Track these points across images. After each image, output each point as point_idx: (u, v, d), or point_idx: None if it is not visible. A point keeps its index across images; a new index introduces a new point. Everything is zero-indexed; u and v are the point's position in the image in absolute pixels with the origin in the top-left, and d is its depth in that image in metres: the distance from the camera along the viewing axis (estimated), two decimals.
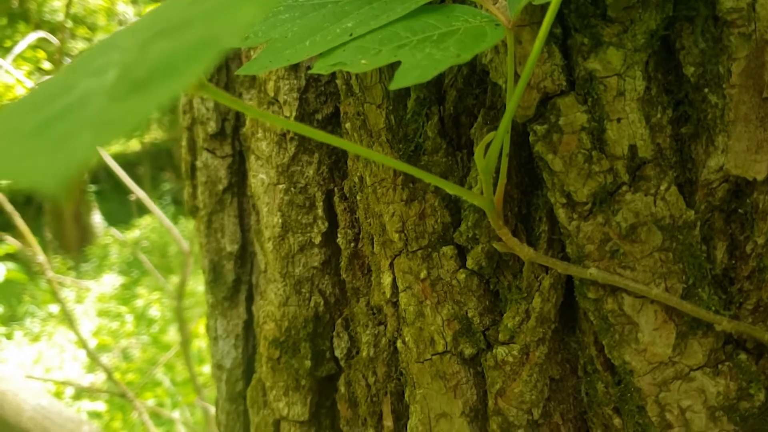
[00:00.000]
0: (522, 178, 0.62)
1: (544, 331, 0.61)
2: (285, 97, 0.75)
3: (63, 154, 0.20)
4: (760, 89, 0.51)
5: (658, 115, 0.55)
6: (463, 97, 0.63)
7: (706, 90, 0.54)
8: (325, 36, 0.55)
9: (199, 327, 4.07)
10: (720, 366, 0.55)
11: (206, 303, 1.00)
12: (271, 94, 0.76)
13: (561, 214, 0.58)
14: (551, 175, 0.58)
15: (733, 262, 0.55)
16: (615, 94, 0.55)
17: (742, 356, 0.55)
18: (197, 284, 5.71)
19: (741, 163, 0.53)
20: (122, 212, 8.55)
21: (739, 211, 0.54)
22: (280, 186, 0.78)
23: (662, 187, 0.55)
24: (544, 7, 0.56)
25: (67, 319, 2.84)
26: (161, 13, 0.29)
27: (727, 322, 0.54)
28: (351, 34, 0.54)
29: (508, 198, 0.62)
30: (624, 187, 0.56)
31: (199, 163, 0.93)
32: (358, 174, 0.71)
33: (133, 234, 8.19)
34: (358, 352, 0.77)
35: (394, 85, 0.47)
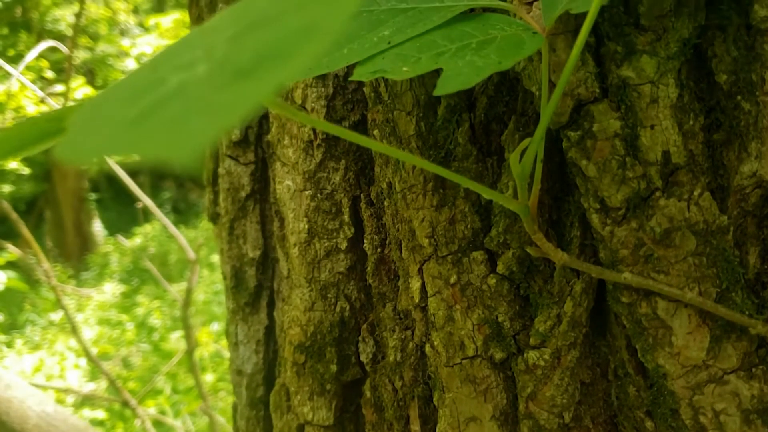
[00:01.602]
0: (553, 184, 0.63)
1: (575, 336, 0.62)
2: (312, 104, 0.76)
3: (181, 135, 0.21)
4: None
5: (691, 122, 0.56)
6: (493, 105, 0.64)
7: (739, 97, 0.55)
8: (362, 44, 0.56)
9: (203, 335, 4.07)
10: (754, 369, 0.56)
11: (226, 309, 1.00)
12: (299, 101, 0.77)
13: (594, 219, 0.59)
14: (585, 180, 0.58)
15: (766, 266, 0.56)
16: (648, 101, 0.56)
17: None
18: (199, 293, 5.71)
19: None
20: (122, 221, 8.55)
21: None
22: (307, 192, 0.78)
23: (695, 193, 0.56)
24: (578, 16, 0.57)
25: (69, 326, 2.84)
26: (241, 11, 0.30)
27: (761, 326, 0.55)
28: (389, 42, 0.55)
29: (539, 204, 0.62)
30: (657, 193, 0.56)
31: (221, 170, 0.94)
32: (386, 180, 0.71)
33: (134, 242, 8.19)
34: (383, 357, 0.78)
35: (439, 91, 0.48)
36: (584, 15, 0.49)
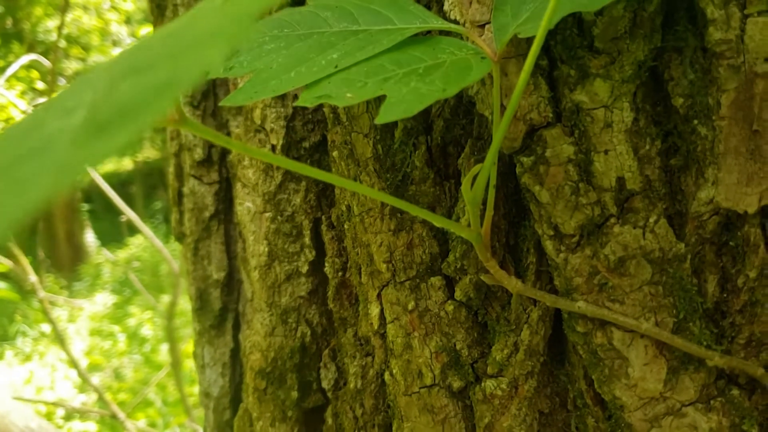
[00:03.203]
0: (509, 208, 0.62)
1: (533, 365, 0.60)
2: (272, 125, 0.75)
3: (21, 198, 0.19)
4: (750, 121, 0.51)
5: (647, 147, 0.54)
6: (450, 128, 0.63)
7: (696, 122, 0.53)
8: (310, 67, 0.55)
9: (190, 347, 4.04)
10: (712, 402, 0.54)
11: (193, 331, 0.99)
12: (258, 122, 0.75)
13: (548, 246, 0.57)
14: (538, 206, 0.57)
15: (725, 295, 0.54)
16: (602, 126, 0.54)
17: (735, 392, 0.54)
18: (188, 303, 5.68)
19: (732, 195, 0.52)
20: (115, 231, 8.53)
21: (730, 243, 0.54)
22: (267, 214, 0.77)
23: (651, 220, 0.54)
24: (530, 40, 0.55)
25: (58, 338, 2.81)
26: (133, 52, 0.29)
27: (719, 357, 0.53)
28: (336, 66, 0.54)
29: (495, 229, 0.61)
30: (612, 220, 0.55)
31: (186, 190, 0.92)
32: (345, 203, 0.70)
33: (126, 253, 8.16)
34: (345, 384, 0.76)
35: (380, 120, 0.46)
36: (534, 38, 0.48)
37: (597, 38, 0.54)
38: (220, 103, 0.58)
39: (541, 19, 0.49)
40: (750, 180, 0.52)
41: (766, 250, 0.53)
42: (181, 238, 0.97)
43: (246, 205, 0.79)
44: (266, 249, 0.77)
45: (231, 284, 0.92)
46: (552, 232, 0.56)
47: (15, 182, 0.21)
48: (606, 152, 0.54)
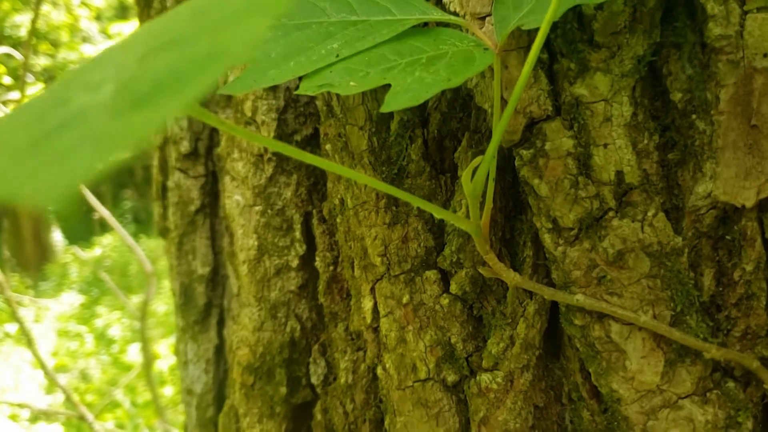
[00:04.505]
0: (506, 202, 0.62)
1: (528, 358, 0.60)
2: (263, 117, 0.74)
3: (64, 169, 0.19)
4: (748, 116, 0.51)
5: (645, 141, 0.55)
6: (446, 121, 0.63)
7: (694, 116, 0.54)
8: (310, 56, 0.54)
9: (160, 348, 3.99)
10: (708, 394, 0.55)
11: (176, 327, 0.97)
12: (249, 114, 0.75)
13: (547, 239, 0.57)
14: (537, 199, 0.57)
15: (721, 289, 0.55)
16: (602, 120, 0.54)
17: (730, 384, 0.55)
18: (157, 304, 5.61)
19: (729, 189, 0.53)
20: (82, 230, 8.40)
21: (727, 237, 0.54)
22: (257, 208, 0.76)
23: (649, 213, 0.55)
24: (531, 32, 0.55)
25: (25, 338, 2.76)
26: (160, 28, 0.28)
27: (715, 350, 0.53)
28: (337, 55, 0.53)
29: (492, 222, 0.61)
30: (611, 213, 0.55)
31: (170, 183, 0.91)
32: (338, 196, 0.69)
33: (94, 252, 8.04)
34: (335, 379, 0.75)
35: (386, 108, 0.46)
36: (536, 31, 0.48)
37: (597, 32, 0.54)
38: (218, 91, 0.57)
39: (543, 11, 0.49)
40: (748, 174, 0.52)
41: (763, 243, 0.53)
42: (164, 232, 0.95)
43: (235, 198, 0.78)
44: (256, 243, 0.76)
45: (216, 279, 0.91)
46: (551, 225, 0.56)
47: (54, 154, 0.20)
48: (605, 146, 0.54)
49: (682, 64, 0.54)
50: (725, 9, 0.51)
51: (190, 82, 0.20)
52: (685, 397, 0.55)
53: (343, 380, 0.72)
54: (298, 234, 0.75)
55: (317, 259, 0.74)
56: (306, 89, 0.51)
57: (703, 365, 0.55)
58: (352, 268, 0.69)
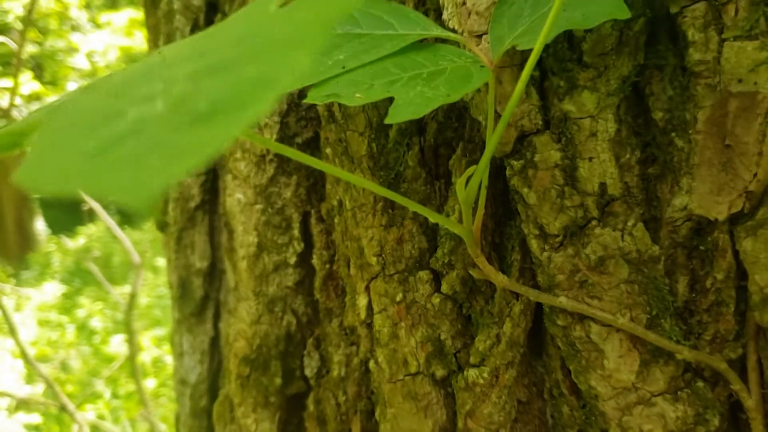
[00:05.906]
0: (496, 209, 0.66)
1: (513, 355, 0.64)
2: (266, 120, 0.77)
3: (141, 173, 0.22)
4: (722, 136, 0.56)
5: (627, 156, 0.59)
6: (442, 130, 0.66)
7: (673, 134, 0.58)
8: (316, 66, 0.58)
9: (144, 340, 4.00)
10: (679, 393, 0.59)
11: (172, 318, 1.00)
12: None
13: (533, 244, 0.61)
14: (526, 207, 0.61)
15: (694, 295, 0.59)
16: (588, 135, 0.58)
17: (700, 384, 0.59)
18: (142, 296, 5.61)
19: (704, 203, 0.57)
20: (66, 220, 8.36)
21: (701, 248, 0.58)
22: (258, 206, 0.80)
23: (629, 223, 0.59)
24: (524, 51, 0.59)
25: (10, 327, 2.77)
26: (200, 48, 0.31)
27: (687, 352, 0.58)
28: (343, 67, 0.57)
29: (483, 227, 0.65)
30: (594, 222, 0.59)
31: None
32: (337, 198, 0.73)
33: (77, 242, 8.02)
34: (328, 372, 0.79)
35: (390, 120, 0.50)
36: (530, 50, 0.51)
37: (586, 53, 0.58)
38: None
39: (537, 32, 0.53)
40: (721, 190, 0.56)
41: (733, 254, 0.58)
42: (163, 226, 0.99)
43: (236, 196, 0.81)
44: (255, 240, 0.80)
45: (213, 274, 0.94)
46: (537, 232, 0.60)
47: (122, 161, 0.24)
48: (590, 159, 0.58)
49: (664, 85, 0.58)
50: (705, 36, 0.56)
51: (249, 104, 0.23)
52: (658, 395, 0.59)
53: (336, 373, 0.76)
54: (296, 232, 0.79)
55: (314, 256, 0.78)
56: (314, 98, 0.55)
57: (676, 366, 0.59)
58: (348, 266, 0.73)
